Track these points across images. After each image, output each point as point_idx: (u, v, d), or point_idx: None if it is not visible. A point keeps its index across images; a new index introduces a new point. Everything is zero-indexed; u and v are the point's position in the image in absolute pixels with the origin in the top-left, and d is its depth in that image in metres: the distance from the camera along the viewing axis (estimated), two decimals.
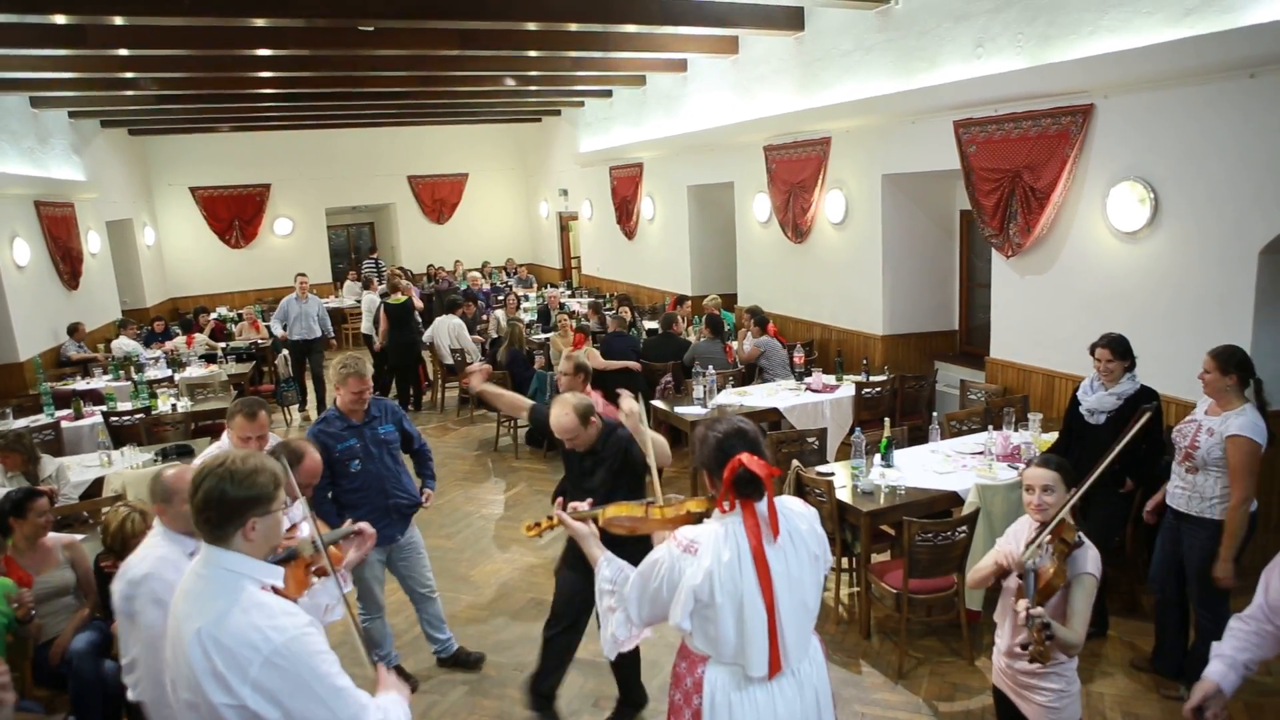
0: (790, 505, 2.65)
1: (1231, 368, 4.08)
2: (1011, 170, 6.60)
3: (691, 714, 2.60)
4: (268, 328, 12.98)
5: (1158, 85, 5.55)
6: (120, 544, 4.08)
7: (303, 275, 11.33)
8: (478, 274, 16.17)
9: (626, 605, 2.64)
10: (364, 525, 2.89)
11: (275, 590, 2.25)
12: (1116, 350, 4.65)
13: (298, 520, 2.58)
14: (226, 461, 2.24)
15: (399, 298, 10.85)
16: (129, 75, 9.34)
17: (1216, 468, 4.11)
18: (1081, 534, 3.04)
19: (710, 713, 2.56)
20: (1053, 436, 5.39)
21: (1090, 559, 3.01)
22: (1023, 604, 2.83)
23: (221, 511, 2.18)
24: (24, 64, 8.51)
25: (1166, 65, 5.33)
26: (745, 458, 2.45)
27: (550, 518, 2.89)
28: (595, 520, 2.88)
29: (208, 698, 2.07)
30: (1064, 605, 2.97)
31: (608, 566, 2.74)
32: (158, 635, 2.67)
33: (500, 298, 13.78)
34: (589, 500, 3.08)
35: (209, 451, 4.44)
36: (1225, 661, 2.73)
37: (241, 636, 2.07)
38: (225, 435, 4.32)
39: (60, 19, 6.44)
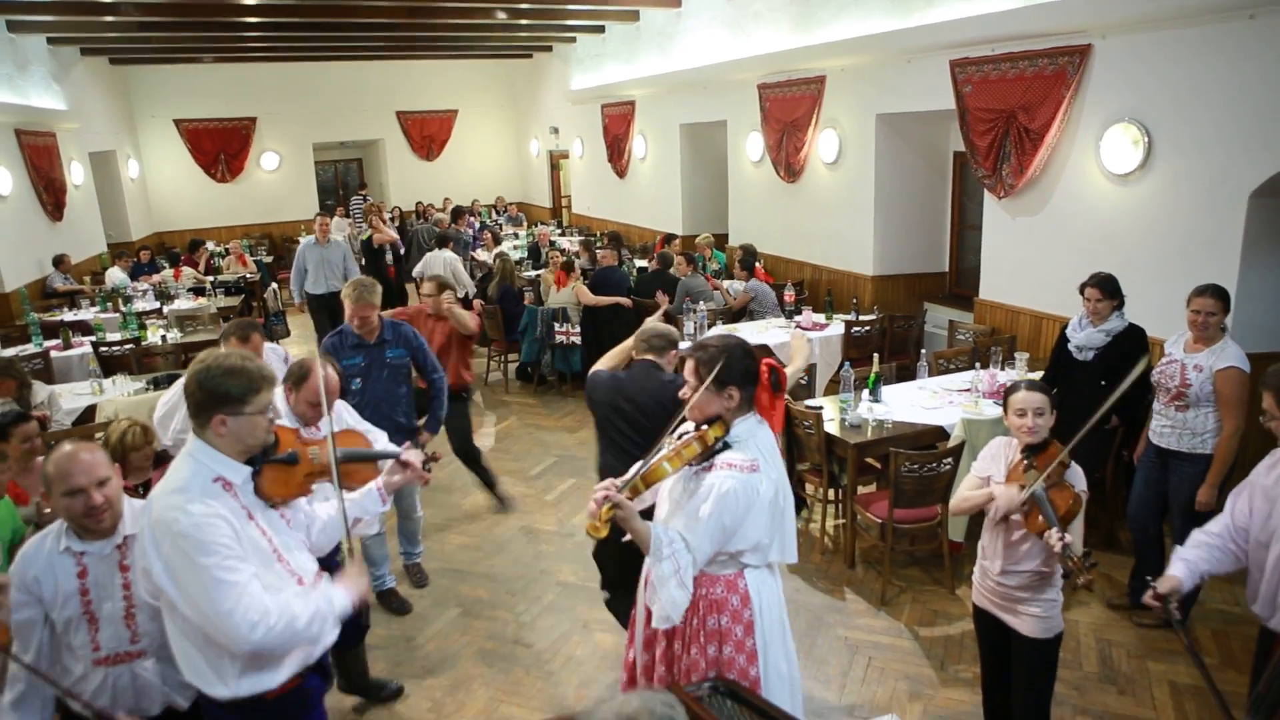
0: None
1: (1228, 303, 4.20)
2: (1006, 111, 6.58)
3: (744, 628, 2.71)
4: (256, 262, 12.93)
5: (1157, 25, 5.52)
6: (120, 456, 4.14)
7: (323, 214, 9.79)
8: (443, 217, 15.92)
9: (695, 554, 2.55)
10: (410, 456, 2.81)
11: (258, 490, 2.41)
12: (1106, 289, 4.73)
13: (330, 430, 2.60)
14: (214, 358, 2.38)
15: (365, 234, 11.03)
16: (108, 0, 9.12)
17: (1208, 403, 4.21)
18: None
19: (761, 615, 2.73)
20: (1038, 376, 5.47)
21: (1080, 476, 3.10)
22: (1054, 534, 2.81)
23: (194, 400, 2.36)
24: None
25: (1167, 4, 5.29)
26: (767, 360, 2.71)
27: (605, 506, 2.49)
28: (635, 490, 2.60)
29: (143, 561, 2.30)
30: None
31: (660, 529, 2.59)
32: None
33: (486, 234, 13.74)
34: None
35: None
36: (1188, 566, 2.87)
37: (164, 513, 2.25)
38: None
39: None
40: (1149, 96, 5.67)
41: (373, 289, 4.73)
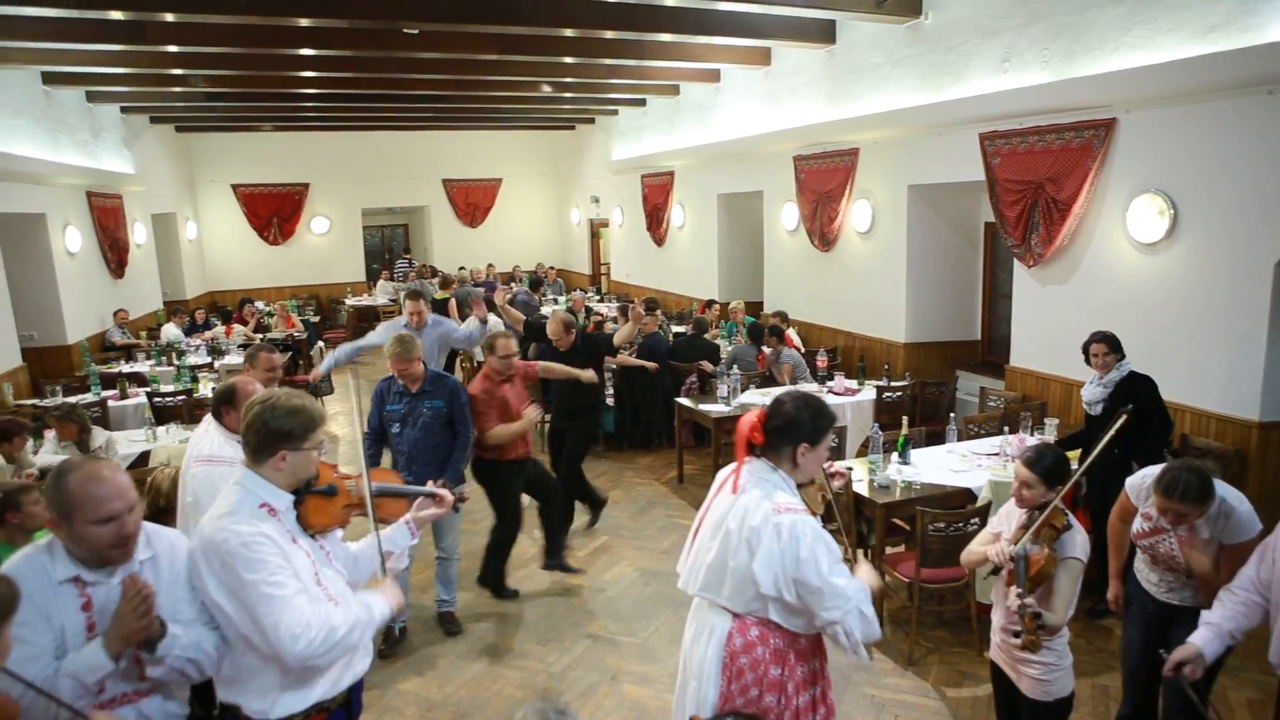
0: (748, 502, 2.76)
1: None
2: (1034, 182, 6.75)
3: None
4: (304, 321, 13.35)
5: (1179, 100, 5.69)
6: (170, 503, 4.26)
7: (415, 297, 7.24)
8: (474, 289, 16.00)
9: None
10: (443, 491, 3.01)
11: (300, 519, 2.56)
12: (1111, 343, 5.10)
13: (365, 467, 2.82)
14: (275, 397, 2.55)
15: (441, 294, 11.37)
16: (179, 72, 9.69)
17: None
18: (1071, 517, 3.16)
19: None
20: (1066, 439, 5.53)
21: (1078, 544, 3.12)
22: (1014, 594, 2.94)
23: (259, 437, 2.51)
24: (83, 59, 8.89)
25: (1187, 81, 5.47)
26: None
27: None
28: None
29: (196, 581, 2.44)
30: (1049, 586, 3.08)
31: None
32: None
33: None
34: None
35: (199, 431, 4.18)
36: (1212, 630, 2.88)
37: (214, 535, 2.39)
38: (206, 420, 3.96)
39: (116, 15, 6.79)
40: (1174, 168, 5.81)
41: (412, 345, 4.98)
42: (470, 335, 7.43)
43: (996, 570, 3.15)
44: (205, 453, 3.65)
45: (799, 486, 2.81)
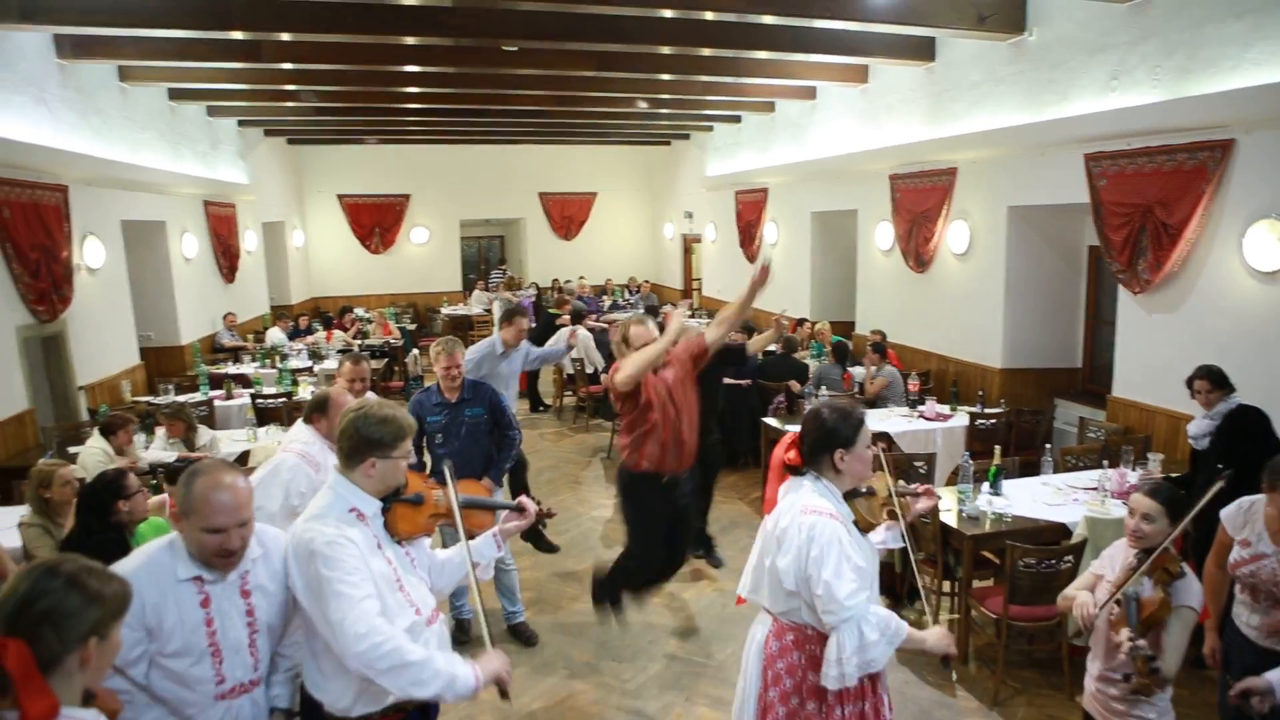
0: (785, 505, 2.86)
1: None
2: (1143, 205, 6.46)
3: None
4: (400, 329, 13.74)
5: None
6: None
7: (519, 316, 6.48)
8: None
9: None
10: (527, 503, 3.07)
11: (387, 525, 2.63)
12: (1214, 379, 4.98)
13: (451, 479, 2.89)
14: (367, 406, 2.65)
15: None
16: (291, 88, 10.15)
17: None
18: (1185, 565, 3.00)
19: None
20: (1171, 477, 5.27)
21: (1193, 592, 2.96)
22: (1125, 634, 2.79)
23: (352, 444, 2.60)
24: (205, 76, 9.41)
25: None
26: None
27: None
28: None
29: (288, 582, 2.54)
30: (1159, 637, 2.92)
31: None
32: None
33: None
34: None
35: (289, 441, 4.30)
36: None
37: (303, 535, 2.50)
38: (299, 425, 4.26)
39: (237, 35, 7.18)
40: None
41: (456, 343, 5.07)
42: (551, 353, 7.92)
43: (1080, 634, 3.01)
44: (299, 448, 3.94)
45: (856, 495, 2.89)
